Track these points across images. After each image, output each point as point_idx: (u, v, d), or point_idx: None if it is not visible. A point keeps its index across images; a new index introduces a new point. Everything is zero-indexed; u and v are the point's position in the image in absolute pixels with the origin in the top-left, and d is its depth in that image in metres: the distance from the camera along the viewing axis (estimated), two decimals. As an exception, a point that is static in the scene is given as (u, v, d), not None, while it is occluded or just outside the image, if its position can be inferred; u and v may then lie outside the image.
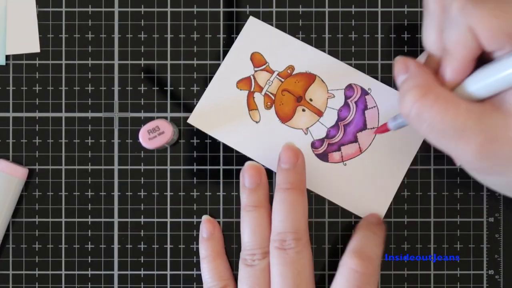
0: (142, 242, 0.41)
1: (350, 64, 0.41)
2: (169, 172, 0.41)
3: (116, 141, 0.41)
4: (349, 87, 0.40)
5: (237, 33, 0.41)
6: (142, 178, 0.41)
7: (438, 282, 0.40)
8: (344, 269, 0.37)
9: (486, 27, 0.28)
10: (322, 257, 0.40)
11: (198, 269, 0.40)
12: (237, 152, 0.41)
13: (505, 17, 0.28)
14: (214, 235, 0.40)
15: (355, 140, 0.40)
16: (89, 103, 0.41)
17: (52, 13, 0.41)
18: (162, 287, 0.41)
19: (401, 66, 0.33)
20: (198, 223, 0.41)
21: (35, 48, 0.41)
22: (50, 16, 0.41)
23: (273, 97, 0.40)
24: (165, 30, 0.41)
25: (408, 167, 0.40)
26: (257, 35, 0.41)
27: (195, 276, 0.41)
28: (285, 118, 0.40)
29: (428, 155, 0.41)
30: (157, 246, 0.41)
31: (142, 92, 0.41)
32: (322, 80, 0.40)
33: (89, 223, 0.41)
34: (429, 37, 0.32)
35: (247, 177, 0.39)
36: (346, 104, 0.40)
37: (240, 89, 0.40)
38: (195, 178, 0.41)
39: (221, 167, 0.41)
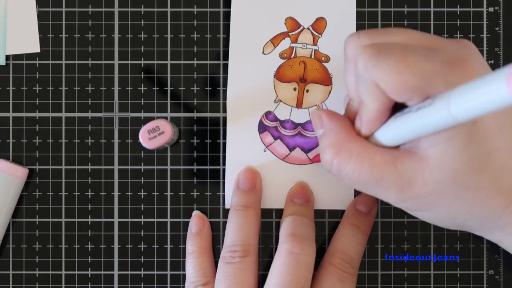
0: (142, 242, 0.41)
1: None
2: (169, 172, 0.41)
3: (116, 141, 0.41)
4: None
5: (237, 33, 0.41)
6: (142, 178, 0.41)
7: (438, 282, 0.40)
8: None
9: (390, 84, 0.28)
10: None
11: (198, 269, 0.41)
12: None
13: (408, 71, 0.28)
14: (203, 231, 0.40)
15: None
16: (89, 103, 0.41)
17: (52, 13, 0.41)
18: (162, 287, 0.41)
19: (317, 120, 0.34)
20: (198, 223, 0.41)
21: (35, 48, 0.41)
22: (50, 16, 0.41)
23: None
24: (165, 30, 0.41)
25: None
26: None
27: (195, 276, 0.41)
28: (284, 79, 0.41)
29: (428, 155, 0.41)
30: (157, 246, 0.41)
31: (142, 92, 0.41)
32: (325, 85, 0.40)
33: (89, 223, 0.41)
34: (348, 81, 0.33)
35: (242, 179, 0.39)
36: None
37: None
38: (195, 178, 0.41)
39: (221, 167, 0.41)
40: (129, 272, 0.41)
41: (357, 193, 0.40)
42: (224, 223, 0.40)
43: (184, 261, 0.40)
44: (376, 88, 0.29)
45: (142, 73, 0.41)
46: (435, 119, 0.26)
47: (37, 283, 0.41)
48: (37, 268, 0.41)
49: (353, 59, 0.31)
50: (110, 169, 0.41)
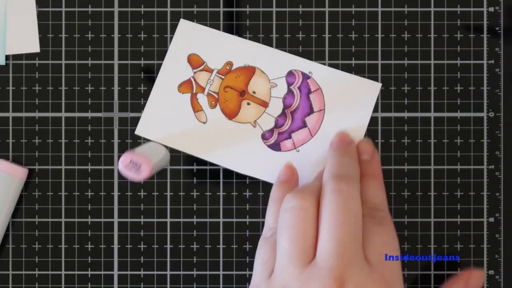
0: (142, 242, 0.41)
1: (350, 64, 0.41)
2: (169, 172, 0.41)
3: (116, 141, 0.41)
4: (290, 73, 0.41)
5: (238, 33, 0.41)
6: (142, 178, 0.41)
7: (438, 282, 0.40)
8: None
9: None
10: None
11: (198, 269, 0.41)
12: (237, 152, 0.41)
13: None
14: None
15: (304, 125, 0.40)
16: (89, 103, 0.41)
17: (52, 13, 0.41)
18: (162, 287, 0.41)
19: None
20: (198, 223, 0.41)
21: (35, 48, 0.41)
22: (50, 16, 0.41)
23: (216, 96, 0.40)
24: (165, 30, 0.41)
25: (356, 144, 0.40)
26: (190, 37, 0.41)
27: (195, 276, 0.41)
28: (231, 114, 0.40)
29: (428, 155, 0.41)
30: (157, 246, 0.41)
31: (142, 92, 0.41)
32: (262, 71, 0.40)
33: (89, 223, 0.41)
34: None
35: (282, 170, 0.40)
36: (289, 91, 0.40)
37: (183, 93, 0.40)
38: (195, 178, 0.41)
39: (221, 167, 0.41)
40: (128, 272, 0.41)
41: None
42: (225, 223, 0.40)
43: (184, 261, 0.40)
44: None
45: (142, 73, 0.41)
46: None
47: (36, 283, 0.41)
48: (36, 268, 0.41)
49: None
50: (109, 169, 0.41)
